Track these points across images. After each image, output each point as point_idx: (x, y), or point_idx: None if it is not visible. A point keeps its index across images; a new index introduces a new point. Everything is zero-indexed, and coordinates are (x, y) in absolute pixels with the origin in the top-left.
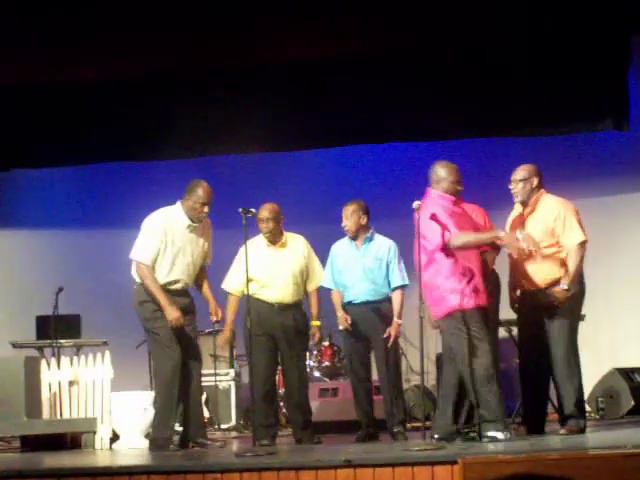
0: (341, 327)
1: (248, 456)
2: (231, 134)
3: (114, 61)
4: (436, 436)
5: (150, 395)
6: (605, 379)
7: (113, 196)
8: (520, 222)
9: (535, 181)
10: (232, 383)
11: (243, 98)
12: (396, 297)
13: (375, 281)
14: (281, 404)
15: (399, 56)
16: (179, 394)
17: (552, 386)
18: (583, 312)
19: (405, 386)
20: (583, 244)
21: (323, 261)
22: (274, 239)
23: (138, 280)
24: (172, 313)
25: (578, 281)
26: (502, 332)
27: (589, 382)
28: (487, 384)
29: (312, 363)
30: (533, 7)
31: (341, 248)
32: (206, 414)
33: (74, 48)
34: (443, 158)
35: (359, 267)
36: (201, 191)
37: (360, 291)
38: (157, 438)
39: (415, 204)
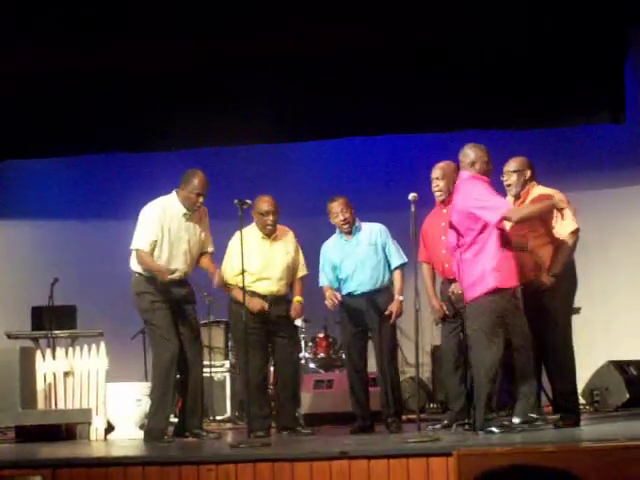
0: (328, 303)
1: (243, 447)
2: (229, 126)
3: (112, 53)
4: (517, 420)
5: (145, 386)
6: (600, 372)
7: (109, 187)
8: None
9: (528, 173)
10: (227, 375)
11: (241, 91)
12: (397, 276)
13: (374, 267)
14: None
15: (397, 50)
16: (177, 385)
17: (546, 379)
18: (578, 305)
19: (400, 378)
20: (575, 232)
21: (314, 252)
22: (273, 232)
23: (136, 270)
24: (162, 272)
25: (570, 274)
26: None
27: (584, 375)
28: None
29: (307, 355)
30: (531, 0)
31: (333, 245)
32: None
33: (72, 40)
34: (439, 151)
35: (356, 257)
36: (197, 181)
37: (360, 281)
38: (152, 429)
39: (411, 196)
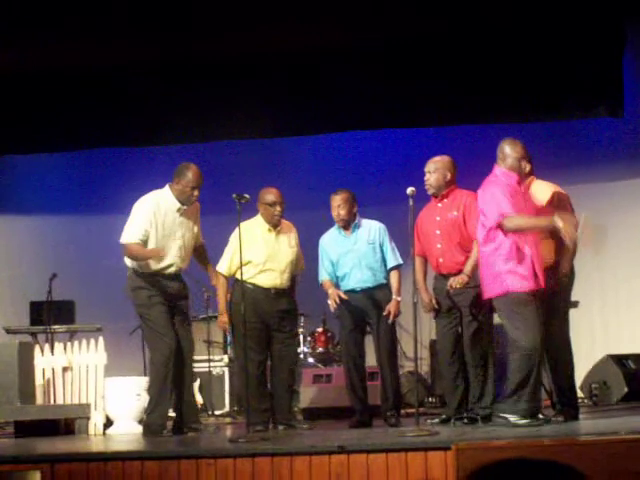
0: (331, 304)
1: (242, 442)
2: (229, 120)
3: (112, 48)
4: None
5: (144, 381)
6: (598, 366)
7: (108, 182)
8: None
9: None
10: (226, 369)
11: (240, 84)
12: (394, 276)
13: (371, 266)
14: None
15: (396, 44)
16: (173, 380)
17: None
18: (576, 299)
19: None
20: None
21: (311, 246)
22: (279, 223)
23: (131, 266)
24: (155, 251)
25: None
26: (496, 318)
27: (582, 369)
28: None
29: (306, 349)
30: None
31: (331, 240)
32: (200, 400)
33: (70, 36)
34: (437, 144)
35: (353, 255)
36: (191, 174)
37: (357, 279)
38: (151, 424)
39: (409, 190)
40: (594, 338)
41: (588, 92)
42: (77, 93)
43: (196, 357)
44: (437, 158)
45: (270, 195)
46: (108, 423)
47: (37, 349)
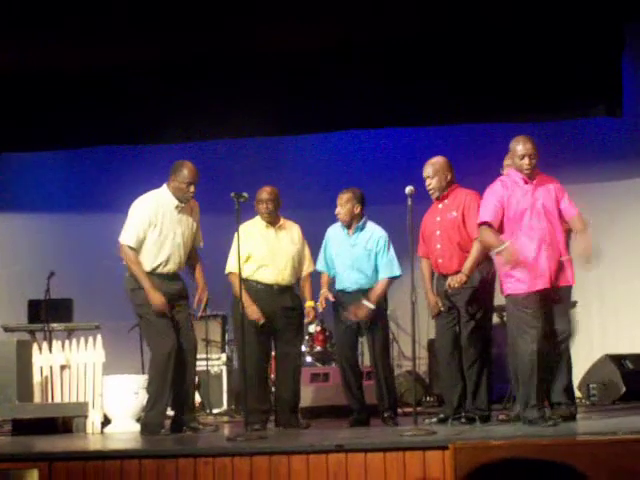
0: (319, 305)
1: (239, 441)
2: (229, 118)
3: (111, 47)
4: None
5: (142, 379)
6: (597, 365)
7: (106, 180)
8: None
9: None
10: (224, 368)
11: (241, 83)
12: (380, 283)
13: (363, 271)
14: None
15: (397, 43)
16: (173, 379)
17: None
18: (575, 299)
19: (397, 372)
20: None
21: (319, 245)
22: (272, 221)
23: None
24: (157, 298)
25: None
26: (495, 318)
27: (581, 368)
28: (529, 370)
29: (304, 348)
30: None
31: (335, 233)
32: (198, 399)
33: (68, 34)
34: (438, 143)
35: (348, 256)
36: (186, 171)
37: (350, 280)
38: (149, 423)
39: (408, 189)
40: (592, 338)
41: (587, 92)
42: (76, 92)
43: None
44: (432, 161)
45: (261, 193)
46: (106, 421)
47: (35, 347)
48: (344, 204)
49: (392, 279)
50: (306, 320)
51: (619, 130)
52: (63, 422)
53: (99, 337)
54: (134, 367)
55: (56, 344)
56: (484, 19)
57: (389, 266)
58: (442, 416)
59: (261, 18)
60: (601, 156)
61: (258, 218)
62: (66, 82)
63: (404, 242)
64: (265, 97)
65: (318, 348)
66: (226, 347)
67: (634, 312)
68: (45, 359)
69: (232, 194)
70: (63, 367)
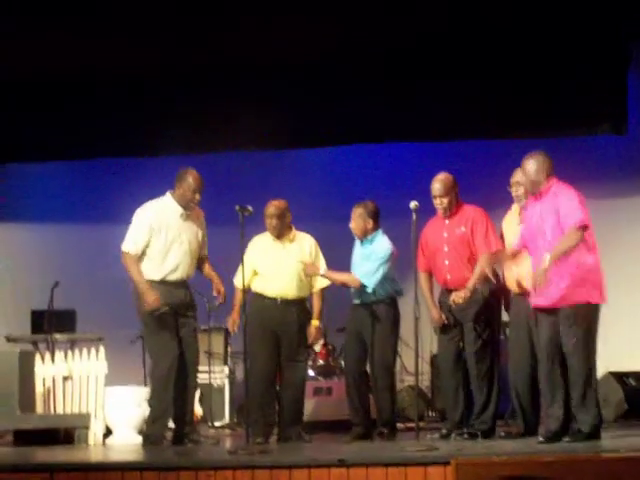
0: None
1: (241, 454)
2: (232, 131)
3: (113, 57)
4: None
5: (144, 391)
6: (599, 383)
7: (110, 191)
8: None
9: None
10: (226, 380)
11: (244, 95)
12: (346, 273)
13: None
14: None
15: (401, 57)
16: (174, 391)
17: None
18: None
19: (399, 386)
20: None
21: (329, 260)
22: (279, 235)
23: None
24: (150, 296)
25: None
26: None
27: None
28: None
29: None
30: (533, 9)
31: (355, 246)
32: (200, 411)
33: (71, 43)
34: (443, 159)
35: (354, 265)
36: (191, 179)
37: (358, 292)
38: (151, 434)
39: (412, 204)
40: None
41: (592, 109)
42: (78, 102)
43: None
44: (441, 177)
45: (269, 207)
46: (108, 433)
47: (38, 358)
48: (356, 219)
49: (361, 285)
50: (309, 340)
51: (624, 147)
52: (65, 433)
53: (102, 348)
54: (136, 379)
55: (59, 355)
56: (489, 34)
57: (366, 273)
58: (444, 431)
59: (266, 28)
60: (605, 173)
61: (267, 232)
62: (67, 93)
63: (406, 257)
64: (267, 111)
65: (321, 362)
66: (229, 359)
67: (637, 329)
68: (48, 370)
69: (237, 207)
70: (65, 378)
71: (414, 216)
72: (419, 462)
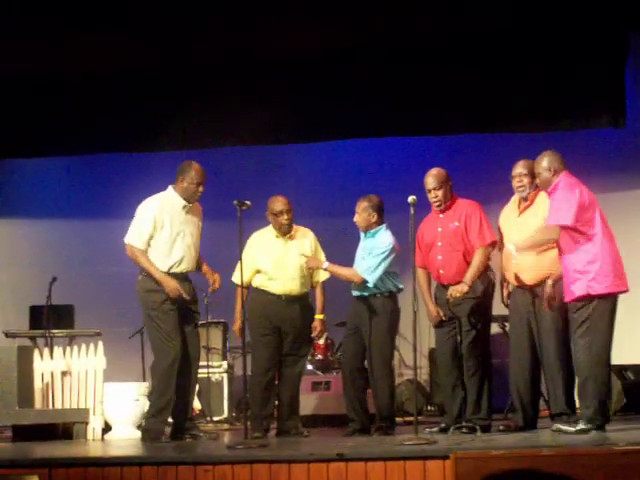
0: None
1: (240, 449)
2: (232, 127)
3: (112, 54)
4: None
5: (143, 386)
6: None
7: (108, 186)
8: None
9: (534, 177)
10: (225, 375)
11: (243, 91)
12: (345, 267)
13: None
14: None
15: (401, 52)
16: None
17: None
18: None
19: (398, 380)
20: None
21: (328, 255)
22: (289, 231)
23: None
24: (170, 284)
25: None
26: (495, 327)
27: None
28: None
29: None
30: (531, 3)
31: (361, 240)
32: (198, 406)
33: (69, 39)
34: (441, 153)
35: (357, 260)
36: (194, 171)
37: (357, 285)
38: (150, 429)
39: (410, 199)
40: None
41: (590, 102)
42: (77, 98)
43: None
44: (434, 172)
45: (277, 204)
46: (106, 428)
47: (36, 353)
48: (361, 212)
49: (362, 280)
50: (313, 334)
51: (622, 141)
52: (64, 428)
53: (100, 343)
54: (135, 374)
55: (57, 350)
56: (486, 28)
57: (368, 268)
58: (443, 425)
59: (265, 23)
60: (604, 167)
61: (270, 227)
62: (67, 88)
63: (404, 252)
64: (265, 105)
65: (319, 356)
66: (227, 354)
67: (635, 322)
68: (46, 365)
69: (235, 202)
70: (64, 373)
71: (412, 210)
72: (418, 456)
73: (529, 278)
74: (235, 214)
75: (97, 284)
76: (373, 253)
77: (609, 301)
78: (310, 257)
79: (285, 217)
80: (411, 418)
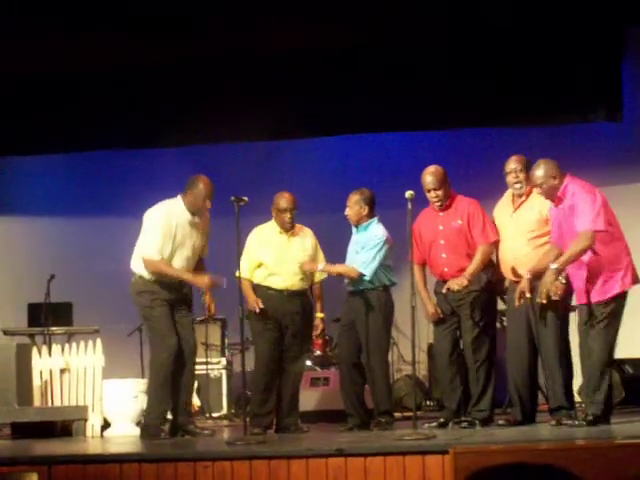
0: None
1: (239, 444)
2: (231, 122)
3: (112, 50)
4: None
5: (141, 383)
6: None
7: (106, 184)
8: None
9: (528, 171)
10: (223, 372)
11: (242, 88)
12: (344, 265)
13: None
14: None
15: (397, 47)
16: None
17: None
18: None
19: (397, 376)
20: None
21: (324, 250)
22: (291, 228)
23: (138, 272)
24: (201, 280)
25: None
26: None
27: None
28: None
29: None
30: None
31: (353, 235)
32: (197, 402)
33: (70, 36)
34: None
35: (349, 253)
36: (202, 186)
37: (347, 279)
38: (149, 425)
39: (408, 194)
40: None
41: (586, 97)
42: (77, 95)
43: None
44: (432, 170)
45: (282, 200)
46: (105, 425)
47: (35, 351)
48: (352, 205)
49: (359, 275)
50: (315, 333)
51: (618, 135)
52: (63, 426)
53: (99, 341)
54: (134, 371)
55: (56, 348)
56: (485, 23)
57: (364, 262)
58: (442, 420)
59: (264, 20)
60: (601, 161)
61: (272, 223)
62: (65, 86)
63: (400, 247)
64: (264, 102)
65: (318, 352)
66: (226, 351)
67: (634, 316)
68: (45, 363)
69: (232, 198)
70: (63, 371)
71: (410, 205)
72: (417, 451)
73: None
74: (233, 210)
75: (95, 281)
76: (367, 247)
77: (625, 295)
78: (305, 261)
79: (288, 215)
80: (410, 413)
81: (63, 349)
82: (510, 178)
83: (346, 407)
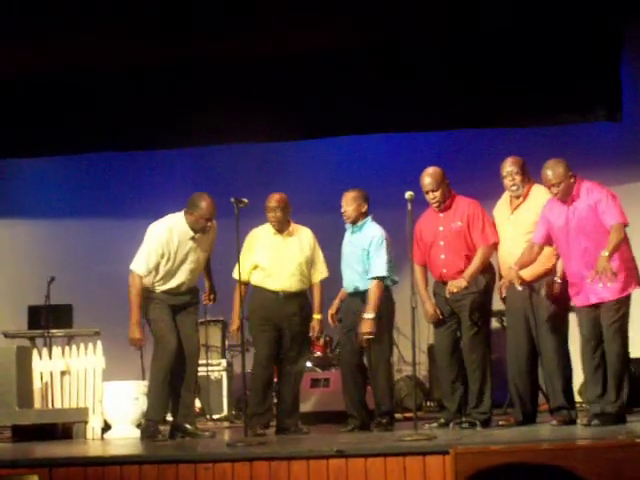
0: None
1: (240, 446)
2: (230, 124)
3: (112, 49)
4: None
5: (142, 385)
6: None
7: (106, 186)
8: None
9: (525, 172)
10: (224, 373)
11: (240, 89)
12: (370, 289)
13: (355, 269)
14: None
15: (397, 49)
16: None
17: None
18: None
19: (397, 376)
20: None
21: (326, 251)
22: (281, 228)
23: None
24: (133, 333)
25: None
26: (494, 323)
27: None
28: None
29: None
30: None
31: (346, 234)
32: (198, 404)
33: (70, 38)
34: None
35: (346, 256)
36: (204, 205)
37: (348, 279)
38: (149, 427)
39: (408, 194)
40: None
41: (586, 96)
42: (77, 97)
43: None
44: (430, 172)
45: (270, 200)
46: (106, 427)
47: (35, 353)
48: (350, 202)
49: (382, 279)
50: (311, 334)
51: (618, 135)
52: (63, 428)
53: (99, 343)
54: (134, 373)
55: (56, 350)
56: (483, 23)
57: (373, 266)
58: (442, 421)
59: (262, 22)
60: (601, 161)
61: (268, 224)
62: (66, 88)
63: (400, 247)
64: (264, 103)
65: (318, 353)
66: (226, 352)
67: (636, 316)
68: (45, 365)
69: (232, 199)
70: (63, 373)
71: (409, 206)
72: (418, 452)
73: (526, 273)
74: (233, 211)
75: (95, 283)
76: (370, 251)
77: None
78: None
79: (272, 214)
80: (410, 414)
81: (63, 351)
82: (507, 181)
83: (348, 408)
